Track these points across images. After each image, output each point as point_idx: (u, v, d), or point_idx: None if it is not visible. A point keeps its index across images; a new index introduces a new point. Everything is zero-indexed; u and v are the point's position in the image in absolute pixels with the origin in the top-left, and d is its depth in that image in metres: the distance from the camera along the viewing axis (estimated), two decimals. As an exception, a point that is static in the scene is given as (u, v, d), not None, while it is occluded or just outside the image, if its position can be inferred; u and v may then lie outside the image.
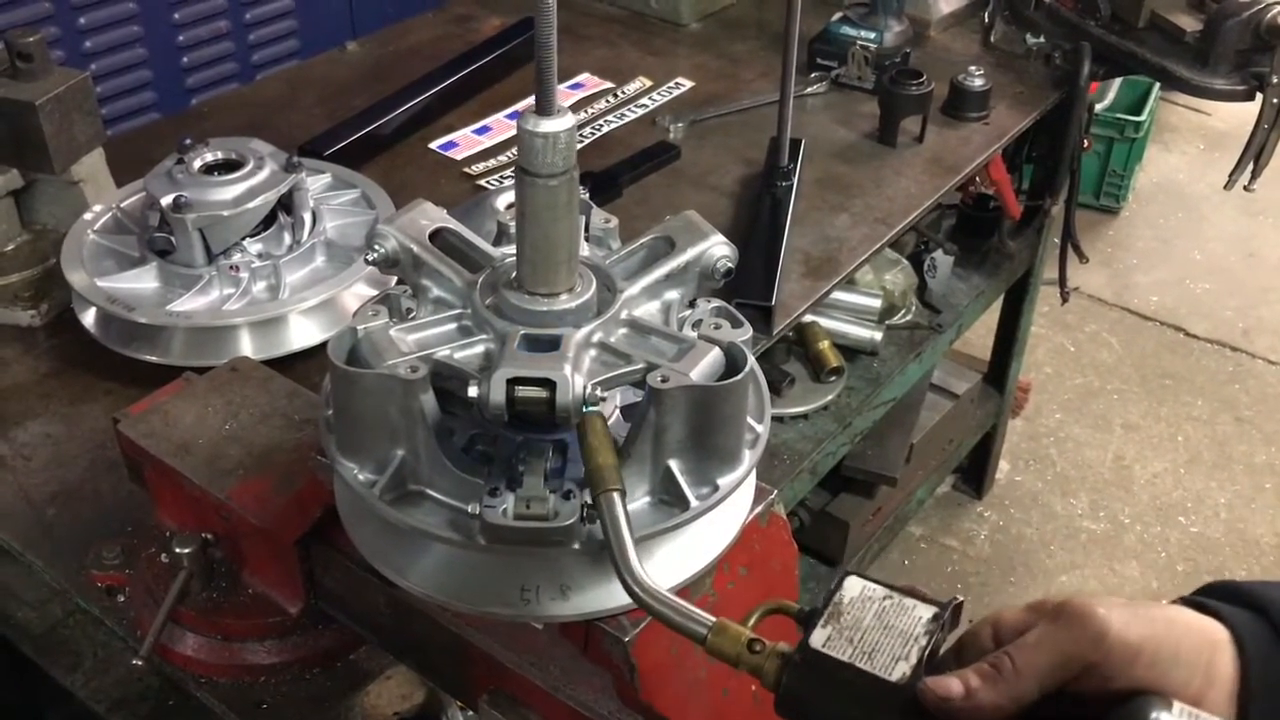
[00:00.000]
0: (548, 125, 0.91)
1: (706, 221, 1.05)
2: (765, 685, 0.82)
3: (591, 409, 0.89)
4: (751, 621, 0.85)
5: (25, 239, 1.87)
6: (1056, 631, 0.80)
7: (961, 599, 0.86)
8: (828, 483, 2.74)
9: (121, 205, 1.81)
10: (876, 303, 2.56)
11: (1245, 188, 2.39)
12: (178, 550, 1.28)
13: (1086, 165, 4.06)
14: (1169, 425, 3.84)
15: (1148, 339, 4.20)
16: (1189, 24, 2.30)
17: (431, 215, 1.06)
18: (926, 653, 0.81)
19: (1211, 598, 0.86)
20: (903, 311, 2.65)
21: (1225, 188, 2.40)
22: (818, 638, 0.83)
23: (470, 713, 1.47)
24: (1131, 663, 0.78)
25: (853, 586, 0.86)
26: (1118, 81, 4.38)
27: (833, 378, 2.48)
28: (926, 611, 0.84)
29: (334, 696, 1.32)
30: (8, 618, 1.72)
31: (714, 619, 0.83)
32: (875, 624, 0.83)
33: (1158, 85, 4.47)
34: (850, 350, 2.54)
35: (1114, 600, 0.80)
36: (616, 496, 0.86)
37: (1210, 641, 0.82)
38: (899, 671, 0.80)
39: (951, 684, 0.78)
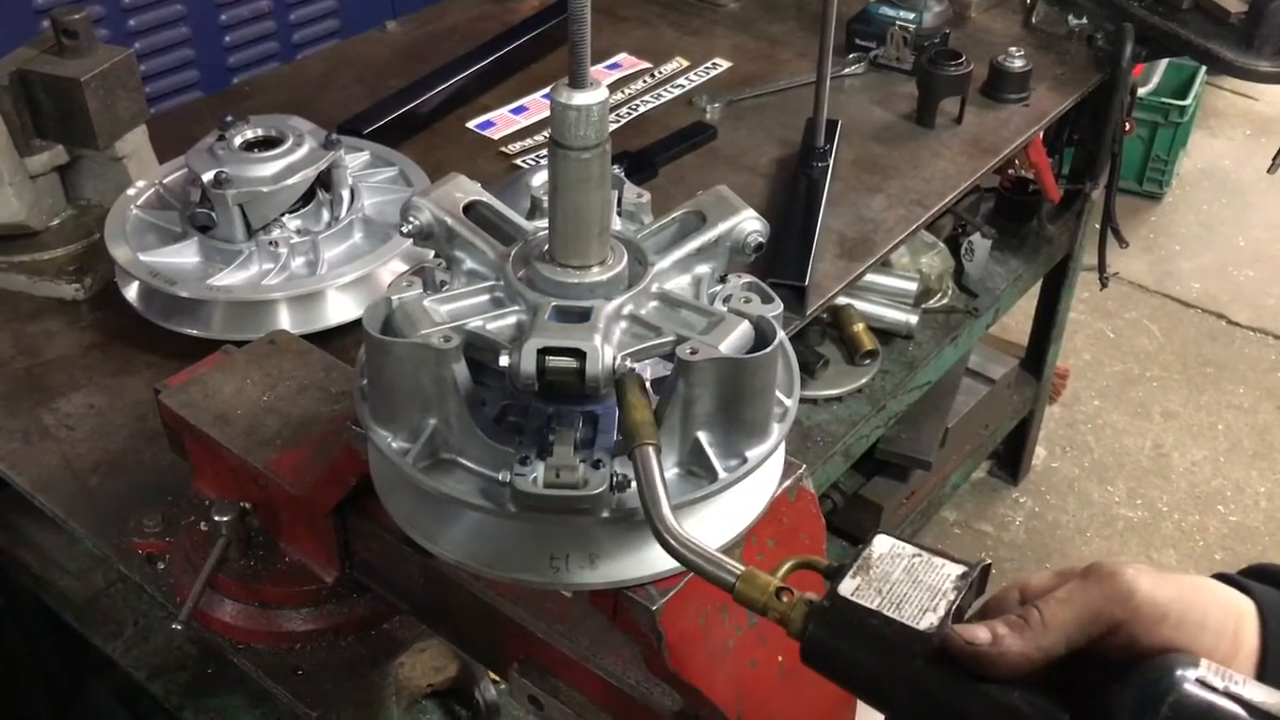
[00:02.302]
0: (580, 98, 0.91)
1: (738, 196, 1.06)
2: (791, 633, 0.82)
3: (631, 370, 0.89)
4: (780, 573, 0.85)
5: (70, 214, 1.90)
6: (1086, 588, 0.80)
7: (990, 562, 0.86)
8: (861, 466, 2.74)
9: (164, 181, 1.83)
10: (912, 286, 2.55)
11: (1289, 172, 2.36)
12: (216, 519, 1.30)
13: (1130, 150, 4.03)
14: (1209, 413, 3.80)
15: (1189, 326, 4.16)
16: (1233, 5, 2.27)
17: (465, 188, 1.07)
18: (954, 607, 0.81)
19: (1247, 578, 0.87)
20: (939, 295, 2.64)
21: (1269, 171, 2.38)
22: (846, 587, 0.83)
23: (501, 684, 1.49)
24: (1159, 623, 0.78)
25: (882, 544, 0.86)
26: (1163, 65, 4.32)
27: (867, 360, 2.47)
28: (955, 570, 0.84)
29: (367, 664, 1.34)
30: (50, 586, 1.76)
31: (743, 567, 0.84)
32: (904, 578, 0.83)
33: (1203, 69, 4.41)
34: (885, 333, 2.54)
35: (1143, 565, 0.81)
36: (651, 451, 0.87)
37: (1237, 612, 0.82)
38: (926, 621, 0.80)
39: (979, 631, 0.79)
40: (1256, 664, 0.81)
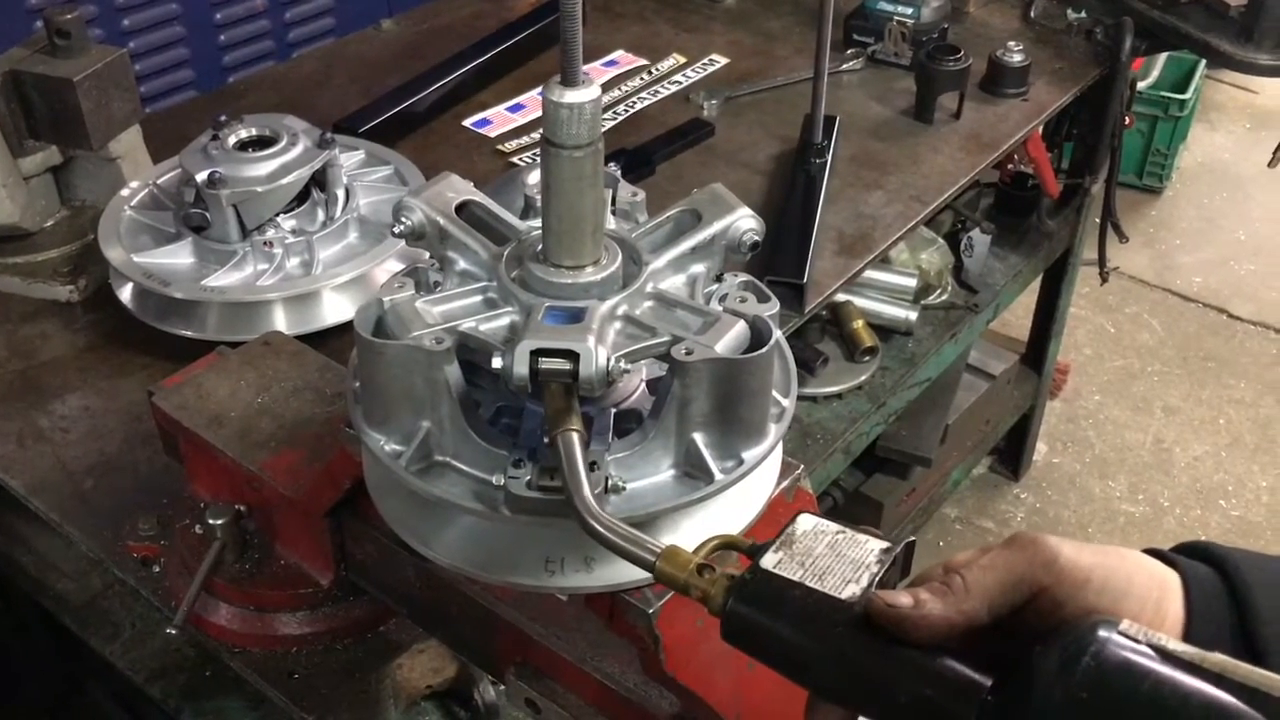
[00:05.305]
0: (572, 96, 0.90)
1: (733, 194, 1.05)
2: (712, 610, 0.81)
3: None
4: (702, 553, 0.84)
5: (64, 215, 1.89)
6: (1008, 554, 0.80)
7: (914, 539, 0.86)
8: (862, 463, 2.73)
9: (158, 182, 1.82)
10: (912, 282, 2.54)
11: (1290, 165, 2.35)
12: (211, 522, 1.30)
13: (1130, 144, 4.01)
14: (1210, 408, 3.79)
15: (1190, 321, 4.14)
16: (1234, -2, 2.26)
17: (458, 188, 1.06)
18: (876, 579, 0.80)
19: (1177, 554, 0.87)
20: (939, 291, 2.63)
21: (1269, 165, 2.36)
22: (768, 560, 0.82)
23: (501, 687, 1.48)
24: (1082, 588, 0.78)
25: (805, 521, 0.86)
26: (1162, 58, 4.31)
27: (867, 357, 2.46)
28: (879, 545, 0.84)
29: (365, 667, 1.33)
30: (48, 589, 1.75)
31: (663, 546, 0.83)
32: (827, 552, 0.83)
33: (1203, 62, 4.40)
34: (885, 330, 2.53)
35: (1065, 538, 0.81)
36: (575, 436, 0.88)
37: (1161, 581, 0.82)
38: (849, 591, 0.79)
39: (901, 596, 0.78)
40: (1181, 635, 0.80)
